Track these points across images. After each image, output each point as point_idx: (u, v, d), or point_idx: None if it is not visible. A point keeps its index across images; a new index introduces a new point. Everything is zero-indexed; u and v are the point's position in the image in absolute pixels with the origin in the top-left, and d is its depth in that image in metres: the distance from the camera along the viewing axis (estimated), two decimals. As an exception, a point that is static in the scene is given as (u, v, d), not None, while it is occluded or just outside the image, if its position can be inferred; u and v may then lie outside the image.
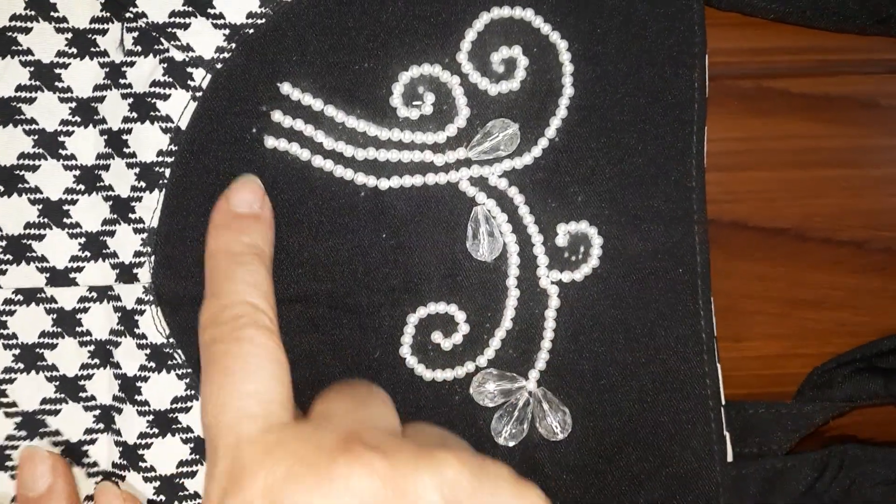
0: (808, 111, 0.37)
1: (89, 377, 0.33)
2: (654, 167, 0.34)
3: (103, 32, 0.32)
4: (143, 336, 0.32)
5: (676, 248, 0.34)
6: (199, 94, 0.32)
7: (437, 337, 0.33)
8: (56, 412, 0.33)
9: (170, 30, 0.32)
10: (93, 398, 0.33)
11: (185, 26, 0.32)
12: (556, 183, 0.34)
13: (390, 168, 0.33)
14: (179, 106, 0.32)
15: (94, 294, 0.32)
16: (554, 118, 0.33)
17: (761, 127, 0.37)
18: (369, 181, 0.33)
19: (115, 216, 0.32)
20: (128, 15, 0.32)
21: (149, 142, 0.32)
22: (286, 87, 0.32)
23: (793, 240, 0.38)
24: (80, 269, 0.32)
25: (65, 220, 0.32)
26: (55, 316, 0.32)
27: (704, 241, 0.34)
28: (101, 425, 0.33)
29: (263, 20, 0.32)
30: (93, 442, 0.33)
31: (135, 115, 0.32)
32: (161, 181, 0.32)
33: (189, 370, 0.32)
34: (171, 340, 0.32)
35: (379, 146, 0.33)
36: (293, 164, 0.33)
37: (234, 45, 0.32)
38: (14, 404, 0.32)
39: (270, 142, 0.32)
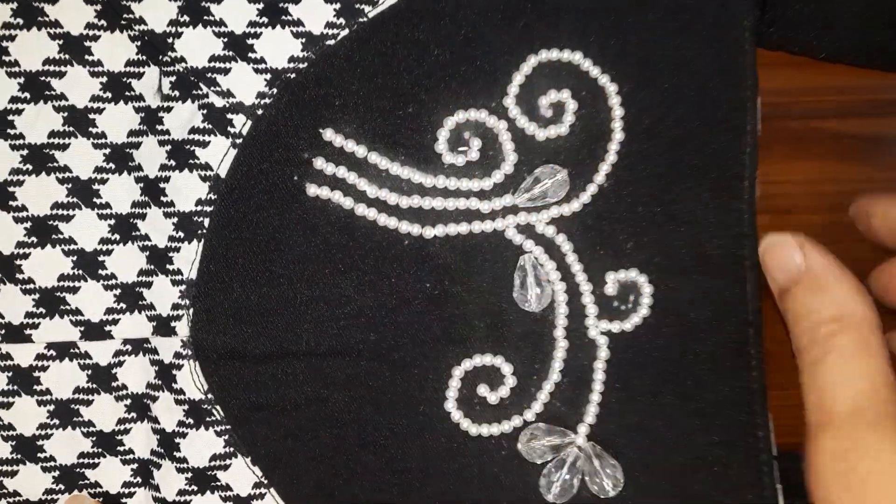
0: (859, 152, 0.36)
1: (126, 431, 0.32)
2: (706, 213, 0.33)
3: (139, 76, 0.31)
4: (182, 391, 0.31)
5: (728, 296, 0.33)
6: (239, 140, 0.31)
7: (483, 390, 0.32)
8: (94, 465, 0.32)
9: (209, 75, 0.31)
10: (130, 451, 0.32)
11: (226, 71, 0.31)
12: (606, 230, 0.33)
13: (435, 216, 0.32)
14: (219, 153, 0.31)
15: (130, 347, 0.31)
16: (603, 164, 0.32)
17: (811, 169, 0.36)
18: (413, 230, 0.32)
19: (152, 267, 0.31)
20: (165, 59, 0.31)
21: (187, 190, 0.31)
22: (328, 134, 0.31)
23: (843, 284, 0.37)
24: (115, 322, 0.31)
25: (100, 271, 0.31)
26: (90, 372, 0.31)
27: (756, 288, 0.33)
28: (139, 479, 0.32)
29: (305, 64, 0.31)
30: (131, 496, 0.32)
31: (173, 162, 0.31)
32: (200, 231, 0.31)
33: (228, 426, 0.31)
34: (210, 397, 0.31)
35: (424, 193, 0.32)
36: (335, 213, 0.32)
37: (275, 91, 0.31)
38: (52, 458, 0.31)
39: (312, 190, 0.31)
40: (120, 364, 0.31)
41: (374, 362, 0.32)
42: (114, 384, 0.31)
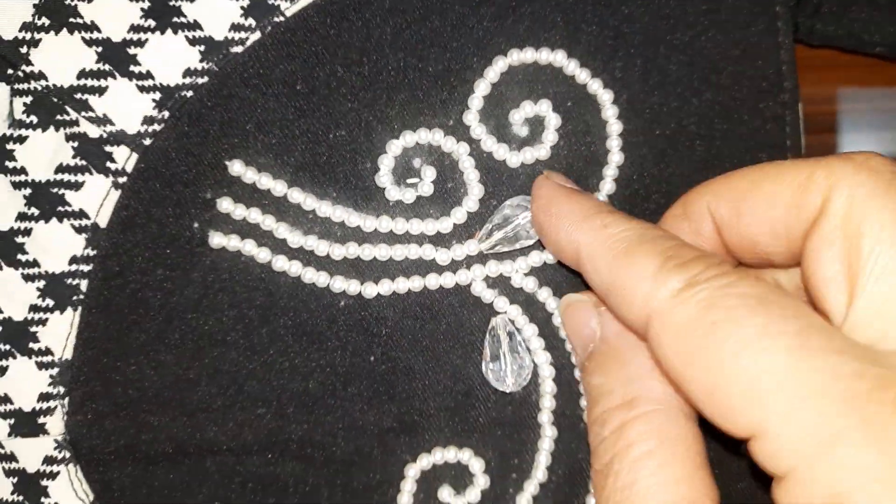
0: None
1: None
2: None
3: None
4: (54, 508, 0.24)
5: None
6: (122, 180, 0.24)
7: (446, 494, 0.25)
8: None
9: (79, 95, 0.24)
10: None
11: (101, 90, 0.24)
12: (603, 281, 0.25)
13: (378, 269, 0.25)
14: (97, 197, 0.24)
15: None
16: (598, 194, 0.25)
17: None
18: (350, 287, 0.24)
19: (8, 347, 0.24)
20: (17, 74, 0.24)
21: (56, 246, 0.24)
22: (237, 167, 0.24)
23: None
24: None
25: None
26: None
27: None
28: None
29: (206, 78, 0.24)
30: None
31: (34, 210, 0.24)
32: (76, 297, 0.24)
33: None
34: (97, 507, 0.24)
35: (362, 240, 0.25)
36: (249, 269, 0.24)
37: (166, 114, 0.24)
38: None
39: (217, 240, 0.24)
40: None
41: (304, 462, 0.24)
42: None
